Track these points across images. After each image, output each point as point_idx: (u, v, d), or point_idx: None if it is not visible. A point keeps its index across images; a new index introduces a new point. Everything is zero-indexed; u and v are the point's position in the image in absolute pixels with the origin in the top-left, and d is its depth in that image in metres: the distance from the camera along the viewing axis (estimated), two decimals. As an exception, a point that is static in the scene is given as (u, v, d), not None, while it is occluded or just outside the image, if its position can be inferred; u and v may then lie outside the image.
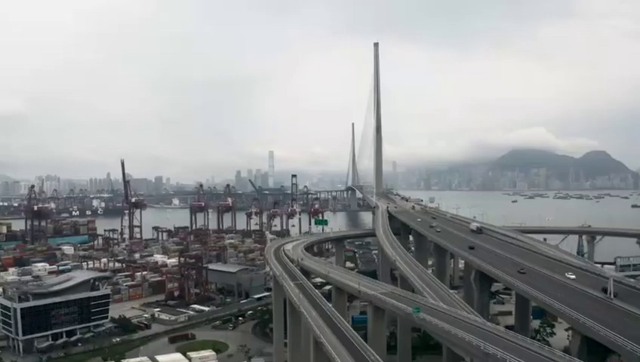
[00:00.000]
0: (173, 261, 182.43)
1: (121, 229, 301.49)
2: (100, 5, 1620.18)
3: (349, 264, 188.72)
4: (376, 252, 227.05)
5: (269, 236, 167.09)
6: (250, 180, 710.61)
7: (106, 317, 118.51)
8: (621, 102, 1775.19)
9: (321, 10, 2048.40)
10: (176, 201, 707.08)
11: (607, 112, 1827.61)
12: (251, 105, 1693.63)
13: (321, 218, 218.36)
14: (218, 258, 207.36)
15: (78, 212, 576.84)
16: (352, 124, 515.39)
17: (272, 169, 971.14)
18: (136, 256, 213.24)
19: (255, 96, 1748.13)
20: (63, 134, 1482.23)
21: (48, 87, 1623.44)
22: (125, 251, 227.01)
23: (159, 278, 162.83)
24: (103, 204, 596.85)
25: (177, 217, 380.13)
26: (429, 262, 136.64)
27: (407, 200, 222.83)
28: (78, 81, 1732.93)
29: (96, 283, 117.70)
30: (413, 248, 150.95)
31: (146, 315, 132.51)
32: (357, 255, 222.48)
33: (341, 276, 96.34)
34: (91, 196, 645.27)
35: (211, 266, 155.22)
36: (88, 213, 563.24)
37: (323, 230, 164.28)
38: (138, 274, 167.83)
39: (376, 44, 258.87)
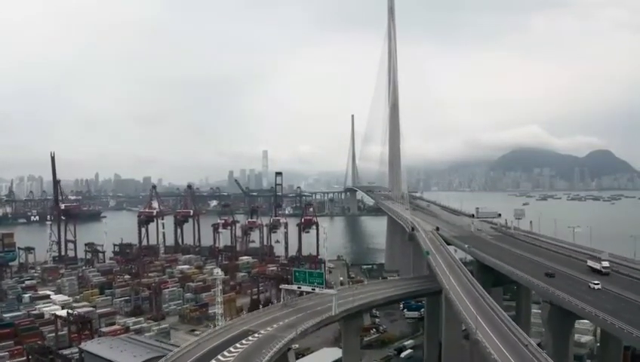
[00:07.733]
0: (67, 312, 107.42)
1: (50, 245, 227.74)
2: (84, 2, 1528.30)
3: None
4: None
5: (216, 278, 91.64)
6: (236, 180, 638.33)
7: None
8: (620, 100, 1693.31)
9: (307, 5, 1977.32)
10: (155, 204, 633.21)
11: (604, 109, 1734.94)
12: (244, 105, 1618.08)
13: (313, 269, 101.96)
14: (151, 302, 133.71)
15: (37, 217, 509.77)
16: (352, 116, 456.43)
17: (267, 169, 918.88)
18: (26, 296, 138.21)
19: (247, 96, 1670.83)
20: (49, 133, 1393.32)
21: (35, 87, 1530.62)
22: (19, 286, 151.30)
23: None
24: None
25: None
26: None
27: (472, 217, 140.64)
28: (65, 80, 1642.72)
29: None
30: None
31: None
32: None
33: None
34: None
35: (92, 348, 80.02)
36: (49, 217, 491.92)
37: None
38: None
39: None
